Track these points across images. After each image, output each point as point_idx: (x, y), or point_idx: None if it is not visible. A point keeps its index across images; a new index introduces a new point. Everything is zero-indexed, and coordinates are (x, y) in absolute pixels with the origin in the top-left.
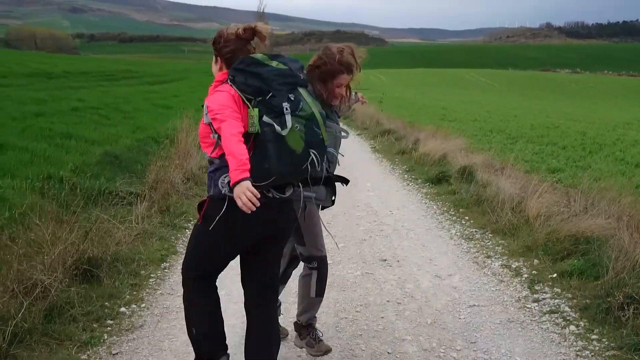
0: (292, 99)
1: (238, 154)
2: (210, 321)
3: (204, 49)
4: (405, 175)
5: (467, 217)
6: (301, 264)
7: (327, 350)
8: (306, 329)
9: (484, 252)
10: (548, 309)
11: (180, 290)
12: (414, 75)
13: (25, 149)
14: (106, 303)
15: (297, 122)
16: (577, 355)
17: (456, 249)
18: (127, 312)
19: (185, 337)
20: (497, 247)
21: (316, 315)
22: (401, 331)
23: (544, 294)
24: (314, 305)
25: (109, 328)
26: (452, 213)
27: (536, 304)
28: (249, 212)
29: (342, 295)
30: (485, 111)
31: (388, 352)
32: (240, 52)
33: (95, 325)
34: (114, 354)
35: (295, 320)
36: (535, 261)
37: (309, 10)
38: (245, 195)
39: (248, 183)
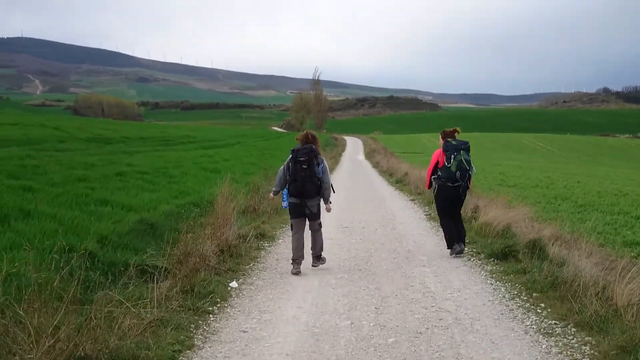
0: (455, 154)
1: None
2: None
3: (261, 114)
4: (466, 249)
5: (542, 305)
6: None
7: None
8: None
9: (569, 354)
10: None
11: None
12: (469, 139)
13: (53, 216)
14: None
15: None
16: None
17: (534, 348)
18: None
19: None
20: (583, 347)
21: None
22: None
23: None
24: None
25: None
26: (525, 298)
27: None
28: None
29: None
30: (545, 177)
31: None
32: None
33: None
34: None
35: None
36: None
37: (362, 77)
38: None
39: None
